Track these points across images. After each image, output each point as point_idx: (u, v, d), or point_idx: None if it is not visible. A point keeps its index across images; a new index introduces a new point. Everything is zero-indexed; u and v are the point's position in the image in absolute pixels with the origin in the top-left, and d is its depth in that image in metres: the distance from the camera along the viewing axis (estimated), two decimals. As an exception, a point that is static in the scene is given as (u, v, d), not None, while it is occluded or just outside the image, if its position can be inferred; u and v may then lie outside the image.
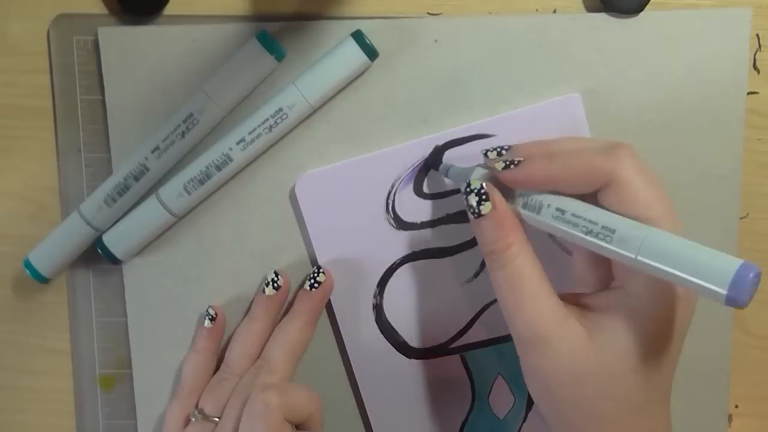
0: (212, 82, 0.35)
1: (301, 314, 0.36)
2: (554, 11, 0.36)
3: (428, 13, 0.36)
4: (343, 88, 0.36)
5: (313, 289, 0.36)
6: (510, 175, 0.29)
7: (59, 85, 0.37)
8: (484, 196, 0.29)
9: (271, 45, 0.35)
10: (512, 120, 0.35)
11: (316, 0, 0.36)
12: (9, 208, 0.38)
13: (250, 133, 0.35)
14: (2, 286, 0.39)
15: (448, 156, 0.36)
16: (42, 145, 0.38)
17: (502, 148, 0.31)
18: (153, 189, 0.36)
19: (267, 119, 0.35)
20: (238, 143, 0.35)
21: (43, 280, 0.37)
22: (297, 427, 0.33)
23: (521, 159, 0.29)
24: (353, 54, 0.34)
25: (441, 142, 0.36)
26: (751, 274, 0.22)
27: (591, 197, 0.28)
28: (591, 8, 0.36)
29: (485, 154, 0.31)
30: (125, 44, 0.36)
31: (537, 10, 0.36)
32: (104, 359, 0.38)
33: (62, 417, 0.39)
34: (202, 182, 0.35)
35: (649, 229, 0.25)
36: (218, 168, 0.35)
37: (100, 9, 0.36)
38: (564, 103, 0.35)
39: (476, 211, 0.29)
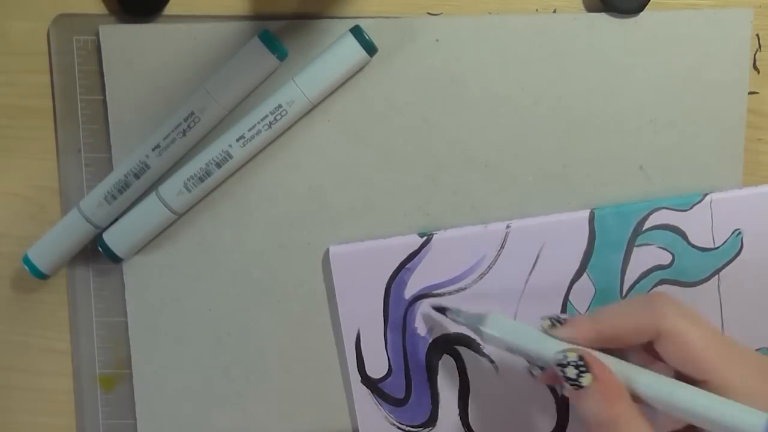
0: (214, 81, 0.35)
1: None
2: (554, 11, 0.36)
3: (428, 13, 0.36)
4: (344, 87, 0.36)
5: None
6: (559, 334, 0.29)
7: (59, 85, 0.37)
8: (582, 368, 0.27)
9: (273, 44, 0.35)
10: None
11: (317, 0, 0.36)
12: (9, 208, 0.38)
13: (249, 130, 0.35)
14: (2, 286, 0.39)
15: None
16: (42, 145, 0.38)
17: (555, 317, 0.30)
18: (153, 186, 0.36)
19: (266, 116, 0.35)
20: (237, 140, 0.35)
21: (42, 277, 0.37)
22: None
23: (565, 318, 0.30)
24: (352, 49, 0.34)
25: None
26: None
27: (649, 348, 0.29)
28: (591, 8, 0.36)
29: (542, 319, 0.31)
30: (126, 42, 0.36)
31: (537, 10, 0.36)
32: (104, 359, 0.38)
33: (62, 417, 0.39)
34: (202, 179, 0.35)
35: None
36: (218, 165, 0.35)
37: (100, 9, 0.36)
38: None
39: (576, 383, 0.27)
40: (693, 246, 0.36)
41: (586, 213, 0.36)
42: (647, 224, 0.36)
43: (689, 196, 0.36)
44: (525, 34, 0.36)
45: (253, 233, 0.37)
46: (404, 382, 0.37)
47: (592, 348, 0.29)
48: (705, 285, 0.36)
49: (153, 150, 0.35)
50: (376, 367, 0.37)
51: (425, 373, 0.37)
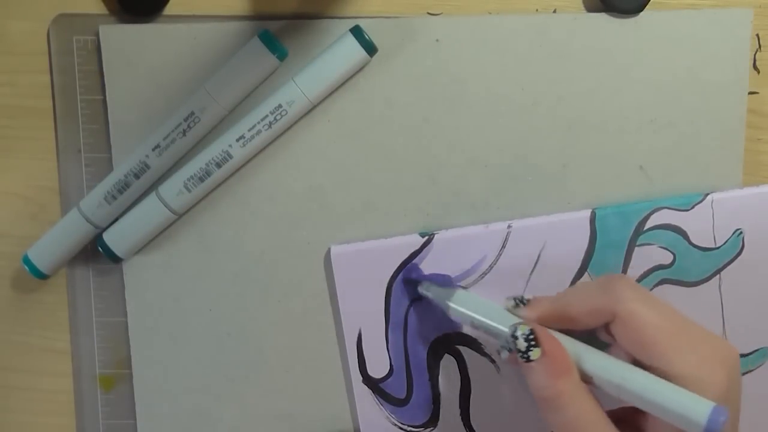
0: (214, 81, 0.35)
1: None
2: (554, 11, 0.36)
3: (428, 13, 0.36)
4: (344, 87, 0.36)
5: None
6: (522, 314, 0.31)
7: (59, 85, 0.37)
8: (532, 341, 0.28)
9: (273, 44, 0.35)
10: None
11: (317, 0, 0.36)
12: (9, 208, 0.38)
13: (249, 130, 0.35)
14: (2, 286, 0.39)
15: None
16: (42, 145, 0.38)
17: (519, 297, 0.32)
18: (153, 186, 0.36)
19: (266, 116, 0.35)
20: (237, 140, 0.35)
21: (42, 277, 0.37)
22: None
23: (530, 298, 0.31)
24: (352, 49, 0.34)
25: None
26: (722, 418, 0.25)
27: (604, 331, 0.30)
28: (591, 8, 0.36)
29: (506, 299, 0.32)
30: (126, 42, 0.36)
31: (537, 10, 0.36)
32: (104, 359, 0.38)
33: (62, 417, 0.39)
34: (202, 179, 0.35)
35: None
36: (218, 165, 0.35)
37: (100, 9, 0.36)
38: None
39: (525, 356, 0.28)
40: (694, 246, 0.36)
41: (587, 213, 0.36)
42: (648, 224, 0.36)
43: (690, 196, 0.36)
44: (525, 34, 0.36)
45: (253, 233, 0.37)
46: (405, 381, 0.37)
47: (553, 328, 0.30)
48: (706, 285, 0.36)
49: (153, 150, 0.35)
50: (378, 367, 0.37)
51: (426, 372, 0.37)
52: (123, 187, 0.36)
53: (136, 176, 0.36)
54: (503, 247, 0.36)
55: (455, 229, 0.36)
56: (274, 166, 0.37)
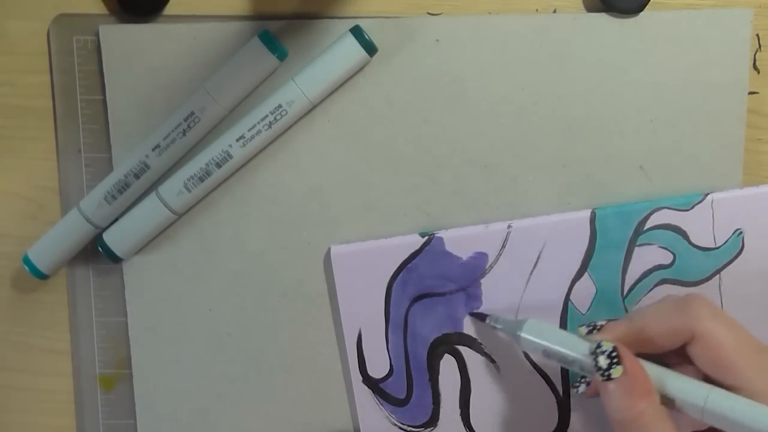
0: (214, 81, 0.35)
1: None
2: (554, 11, 0.36)
3: (428, 13, 0.36)
4: (344, 87, 0.36)
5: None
6: (594, 339, 0.29)
7: (59, 85, 0.37)
8: (615, 359, 0.27)
9: (273, 44, 0.35)
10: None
11: (317, 0, 0.36)
12: (9, 208, 0.38)
13: (249, 130, 0.35)
14: (2, 286, 0.39)
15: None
16: (42, 145, 0.38)
17: (593, 324, 0.31)
18: (153, 186, 0.36)
19: (266, 116, 0.35)
20: (237, 140, 0.35)
21: (42, 277, 0.37)
22: None
23: (602, 324, 0.30)
24: (352, 49, 0.34)
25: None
26: None
27: (680, 353, 0.29)
28: (591, 8, 0.36)
29: (578, 327, 0.31)
30: (126, 42, 0.36)
31: (537, 10, 0.36)
32: (104, 359, 0.38)
33: (62, 417, 0.39)
34: (202, 179, 0.35)
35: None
36: (218, 165, 0.35)
37: (100, 9, 0.36)
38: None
39: (606, 374, 0.27)
40: (694, 246, 0.36)
41: (587, 213, 0.36)
42: (648, 224, 0.36)
43: (690, 196, 0.36)
44: (525, 34, 0.36)
45: (253, 233, 0.37)
46: (405, 382, 0.37)
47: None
48: (706, 285, 0.36)
49: (153, 150, 0.35)
50: (378, 367, 0.37)
51: (426, 372, 0.37)
52: (123, 187, 0.36)
53: (136, 176, 0.36)
54: (503, 247, 0.36)
55: (455, 229, 0.36)
56: (274, 166, 0.37)
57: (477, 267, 0.36)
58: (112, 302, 0.38)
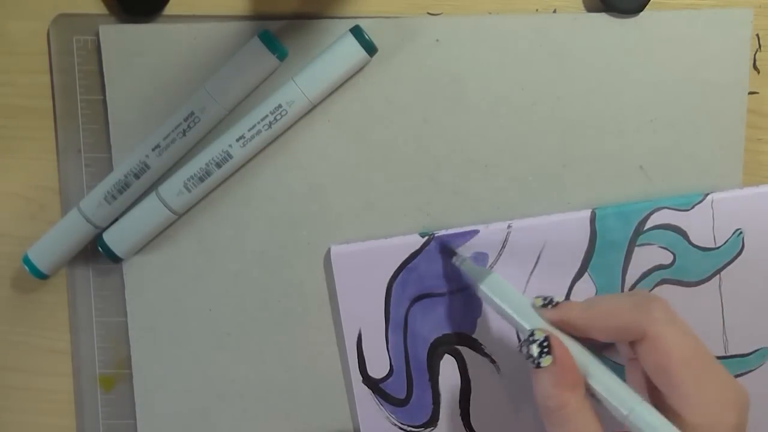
0: (214, 81, 0.35)
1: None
2: (554, 11, 0.36)
3: (428, 13, 0.36)
4: (344, 87, 0.36)
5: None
6: (547, 315, 0.30)
7: (59, 85, 0.37)
8: (545, 349, 0.28)
9: (273, 44, 0.35)
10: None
11: (317, 0, 0.36)
12: (9, 208, 0.38)
13: (249, 130, 0.35)
14: (2, 286, 0.39)
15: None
16: (42, 145, 0.38)
17: (549, 298, 0.31)
18: (153, 186, 0.36)
19: (266, 116, 0.35)
20: (237, 140, 0.35)
21: (42, 277, 0.37)
22: None
23: (560, 300, 0.30)
24: (352, 49, 0.34)
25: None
26: None
27: (627, 347, 0.29)
28: (591, 8, 0.36)
29: (535, 298, 0.31)
30: (127, 42, 0.36)
31: (537, 10, 0.36)
32: (104, 359, 0.38)
33: (62, 417, 0.39)
34: (202, 179, 0.35)
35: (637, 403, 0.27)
36: (218, 165, 0.35)
37: (100, 9, 0.36)
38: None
39: (536, 362, 0.28)
40: (694, 246, 0.36)
41: (587, 213, 0.36)
42: (648, 224, 0.36)
43: (690, 196, 0.36)
44: (525, 34, 0.36)
45: (253, 233, 0.37)
46: (405, 382, 0.37)
47: (576, 336, 0.29)
48: (706, 285, 0.36)
49: (153, 150, 0.35)
50: (378, 367, 0.37)
51: (426, 373, 0.37)
52: (123, 187, 0.36)
53: (136, 176, 0.36)
54: (503, 247, 0.36)
55: (455, 229, 0.36)
56: (274, 166, 0.37)
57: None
58: (112, 302, 0.38)
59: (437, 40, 0.36)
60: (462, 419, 0.37)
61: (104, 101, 0.37)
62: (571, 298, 0.36)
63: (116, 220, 0.36)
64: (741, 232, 0.36)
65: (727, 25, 0.36)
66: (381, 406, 0.37)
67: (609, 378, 0.28)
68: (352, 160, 0.37)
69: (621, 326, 0.29)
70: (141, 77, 0.36)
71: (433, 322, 0.37)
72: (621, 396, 0.28)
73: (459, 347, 0.37)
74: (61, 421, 0.39)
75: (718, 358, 0.36)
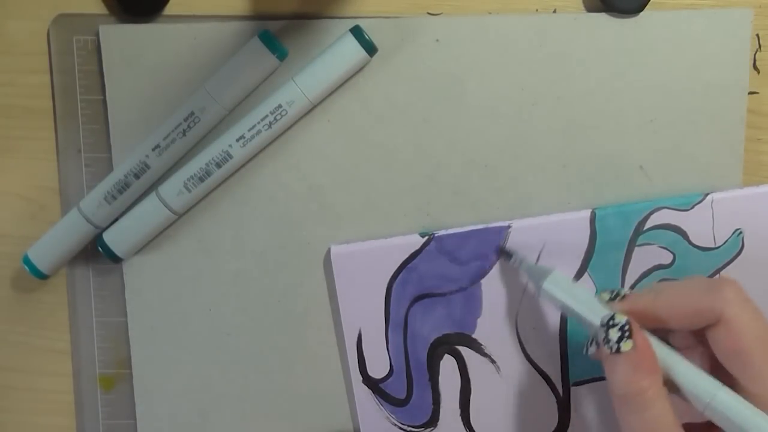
0: (214, 81, 0.35)
1: None
2: (554, 11, 0.36)
3: (428, 13, 0.36)
4: (344, 87, 0.36)
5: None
6: (616, 308, 0.29)
7: (59, 85, 0.37)
8: (627, 333, 0.27)
9: (273, 44, 0.35)
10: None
11: (317, 0, 0.36)
12: (9, 208, 0.38)
13: (249, 130, 0.35)
14: (2, 286, 0.39)
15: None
16: (42, 145, 0.38)
17: (616, 291, 0.30)
18: (153, 186, 0.36)
19: (266, 116, 0.35)
20: (237, 140, 0.35)
21: (42, 277, 0.37)
22: None
23: (627, 293, 0.29)
24: (352, 49, 0.34)
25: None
26: None
27: (700, 333, 0.29)
28: (591, 8, 0.36)
29: (602, 292, 0.31)
30: (126, 42, 0.36)
31: (537, 10, 0.36)
32: (104, 359, 0.38)
33: (62, 417, 0.39)
34: (202, 179, 0.35)
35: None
36: (218, 165, 0.35)
37: (100, 9, 0.36)
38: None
39: (615, 347, 0.27)
40: (694, 246, 0.36)
41: (587, 213, 0.36)
42: (648, 224, 0.36)
43: (690, 196, 0.36)
44: (525, 34, 0.36)
45: (253, 233, 0.37)
46: (405, 382, 0.37)
47: (647, 326, 0.29)
48: None
49: (153, 150, 0.35)
50: (378, 368, 0.37)
51: (426, 373, 0.37)
52: (123, 187, 0.36)
53: (136, 176, 0.36)
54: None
55: (455, 229, 0.36)
56: (274, 166, 0.37)
57: (477, 267, 0.36)
58: (112, 302, 0.38)
59: (437, 40, 0.36)
60: (462, 419, 0.37)
61: (104, 101, 0.37)
62: None
63: (116, 220, 0.36)
64: (741, 232, 0.36)
65: (727, 25, 0.36)
66: (381, 406, 0.37)
67: (687, 366, 0.28)
68: (352, 160, 0.37)
69: (695, 311, 0.28)
70: (141, 77, 0.36)
71: (433, 322, 0.37)
72: (701, 383, 0.27)
73: (459, 347, 0.37)
74: (61, 421, 0.39)
75: None
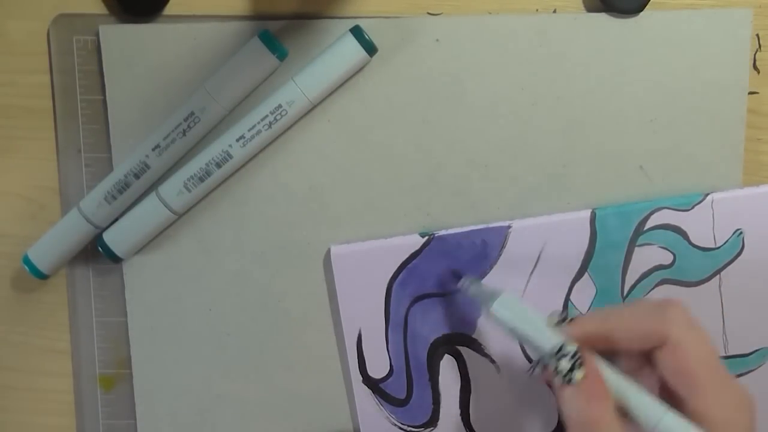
0: (214, 81, 0.35)
1: None
2: (554, 11, 0.36)
3: (428, 13, 0.36)
4: (344, 87, 0.36)
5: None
6: (565, 331, 0.29)
7: (59, 85, 0.37)
8: (578, 362, 0.27)
9: (273, 44, 0.35)
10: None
11: (317, 0, 0.36)
12: (9, 208, 0.38)
13: (249, 130, 0.35)
14: (2, 286, 0.39)
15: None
16: (42, 145, 0.38)
17: (565, 317, 0.30)
18: (153, 186, 0.36)
19: (266, 116, 0.35)
20: (237, 140, 0.35)
21: (42, 277, 0.37)
22: None
23: (573, 317, 0.30)
24: (352, 49, 0.34)
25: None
26: None
27: (647, 355, 0.29)
28: (591, 8, 0.36)
29: (549, 316, 0.30)
30: (126, 42, 0.36)
31: (537, 10, 0.36)
32: (104, 359, 0.38)
33: (62, 417, 0.39)
34: (202, 179, 0.35)
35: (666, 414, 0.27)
36: (218, 165, 0.35)
37: (100, 9, 0.36)
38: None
39: (568, 378, 0.27)
40: (694, 246, 0.36)
41: (587, 213, 0.36)
42: (648, 224, 0.36)
43: (690, 196, 0.36)
44: (525, 34, 0.36)
45: (253, 233, 0.37)
46: (405, 382, 0.37)
47: (596, 348, 0.29)
48: (706, 285, 0.36)
49: (153, 150, 0.35)
50: (378, 368, 0.37)
51: (426, 373, 0.37)
52: (123, 187, 0.36)
53: (136, 176, 0.36)
54: (503, 246, 0.36)
55: (455, 229, 0.36)
56: (274, 166, 0.37)
57: (477, 267, 0.36)
58: (112, 302, 0.38)
59: (437, 40, 0.36)
60: (462, 419, 0.37)
61: (104, 101, 0.37)
62: (571, 298, 0.36)
63: (116, 220, 0.36)
64: (741, 232, 0.36)
65: (727, 25, 0.36)
66: (381, 407, 0.37)
67: (635, 391, 0.28)
68: (352, 160, 0.37)
69: (643, 333, 0.28)
70: (141, 77, 0.36)
71: (433, 323, 0.37)
72: (649, 407, 0.27)
73: (459, 347, 0.37)
74: (61, 421, 0.39)
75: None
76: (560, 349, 0.28)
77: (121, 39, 0.36)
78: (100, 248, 0.36)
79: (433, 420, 0.37)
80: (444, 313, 0.36)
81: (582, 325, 0.29)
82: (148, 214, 0.36)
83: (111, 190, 0.36)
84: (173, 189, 0.35)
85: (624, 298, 0.36)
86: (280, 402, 0.38)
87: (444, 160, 0.37)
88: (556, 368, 0.28)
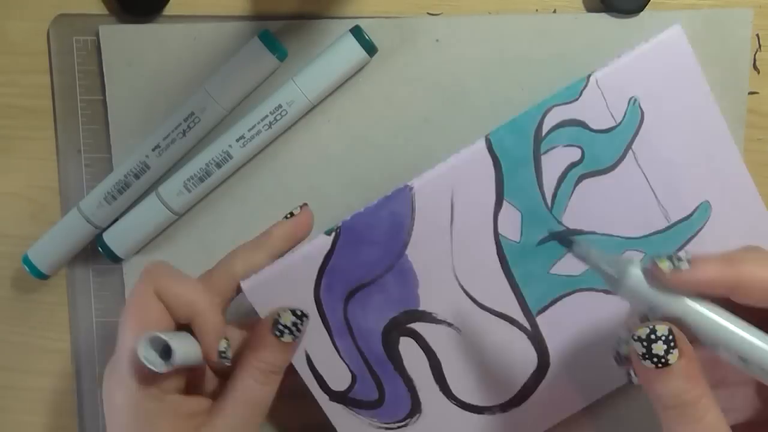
0: (214, 81, 0.35)
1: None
2: (554, 11, 0.36)
3: (428, 13, 0.36)
4: (344, 87, 0.36)
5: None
6: (681, 278, 0.25)
7: (59, 85, 0.37)
8: (671, 343, 0.24)
9: (273, 44, 0.35)
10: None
11: (317, 0, 0.36)
12: (9, 208, 0.38)
13: (249, 130, 0.35)
14: (2, 286, 0.39)
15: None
16: (42, 145, 0.38)
17: (675, 256, 0.26)
18: (153, 186, 0.36)
19: (266, 116, 0.35)
20: (237, 140, 0.35)
21: (42, 277, 0.37)
22: (182, 327, 0.30)
23: (689, 258, 0.25)
24: (352, 50, 0.34)
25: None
26: None
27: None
28: (591, 8, 0.36)
29: (652, 261, 0.26)
30: (126, 42, 0.36)
31: (537, 10, 0.36)
32: (104, 359, 0.38)
33: (62, 417, 0.39)
34: (202, 180, 0.35)
35: None
36: (218, 165, 0.35)
37: (100, 9, 0.36)
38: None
39: (663, 360, 0.24)
40: (597, 131, 0.34)
41: (481, 142, 0.34)
42: (545, 128, 0.34)
43: (574, 85, 0.34)
44: (525, 34, 0.36)
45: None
46: (373, 381, 0.36)
47: (714, 297, 0.26)
48: (623, 164, 0.34)
49: (153, 150, 0.35)
50: (339, 379, 0.35)
51: (389, 363, 0.35)
52: (123, 187, 0.36)
53: (136, 176, 0.36)
54: (413, 210, 0.34)
55: (358, 212, 0.34)
56: (274, 166, 0.37)
57: (396, 240, 0.34)
58: (112, 302, 0.38)
59: (437, 40, 0.36)
60: (444, 393, 0.36)
61: (104, 101, 0.37)
62: (500, 232, 0.34)
63: (116, 220, 0.36)
64: (636, 99, 0.34)
65: (727, 25, 0.36)
66: (358, 415, 0.36)
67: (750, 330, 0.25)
68: (352, 160, 0.37)
69: None
70: (141, 77, 0.36)
71: (375, 312, 0.35)
72: (734, 337, 0.25)
73: (410, 325, 0.35)
74: (61, 421, 0.39)
75: (663, 230, 0.34)
76: (653, 332, 0.25)
77: (121, 39, 0.36)
78: (100, 248, 0.36)
79: (416, 407, 0.35)
80: (382, 297, 0.35)
81: (702, 271, 0.25)
82: (148, 214, 0.36)
83: (111, 190, 0.36)
84: (173, 189, 0.35)
85: (551, 210, 0.34)
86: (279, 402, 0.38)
87: (444, 160, 0.36)
88: (648, 353, 0.25)
